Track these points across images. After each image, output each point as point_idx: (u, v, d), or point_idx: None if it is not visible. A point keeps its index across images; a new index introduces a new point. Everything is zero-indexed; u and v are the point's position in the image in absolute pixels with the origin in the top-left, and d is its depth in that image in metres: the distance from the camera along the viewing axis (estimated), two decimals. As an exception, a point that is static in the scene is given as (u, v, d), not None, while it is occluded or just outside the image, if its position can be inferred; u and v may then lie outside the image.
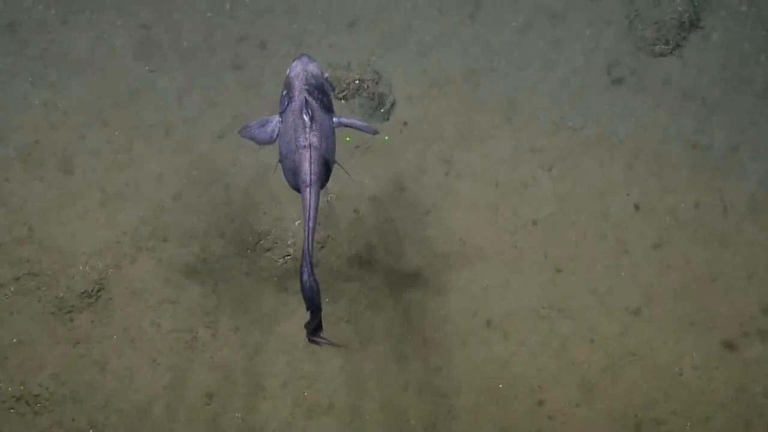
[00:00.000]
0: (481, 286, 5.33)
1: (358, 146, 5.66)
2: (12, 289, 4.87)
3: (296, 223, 5.35)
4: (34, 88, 5.45)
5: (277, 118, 3.97)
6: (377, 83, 5.78)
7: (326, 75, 5.75)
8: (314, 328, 3.74)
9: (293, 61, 4.09)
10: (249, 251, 5.24)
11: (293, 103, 3.88)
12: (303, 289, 3.64)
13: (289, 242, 5.25)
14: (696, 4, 6.09)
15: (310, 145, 3.72)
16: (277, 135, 3.95)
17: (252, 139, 4.01)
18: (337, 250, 5.32)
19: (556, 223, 5.51)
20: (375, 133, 4.15)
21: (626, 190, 5.62)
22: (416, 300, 5.25)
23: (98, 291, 4.93)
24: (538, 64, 6.01)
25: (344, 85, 5.75)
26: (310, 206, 3.66)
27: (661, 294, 5.34)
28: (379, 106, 5.79)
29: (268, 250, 5.21)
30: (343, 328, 5.15)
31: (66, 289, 4.88)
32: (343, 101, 5.78)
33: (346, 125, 4.08)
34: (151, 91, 5.59)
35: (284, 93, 3.98)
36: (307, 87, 3.92)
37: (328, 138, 3.89)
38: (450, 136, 5.73)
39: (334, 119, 4.03)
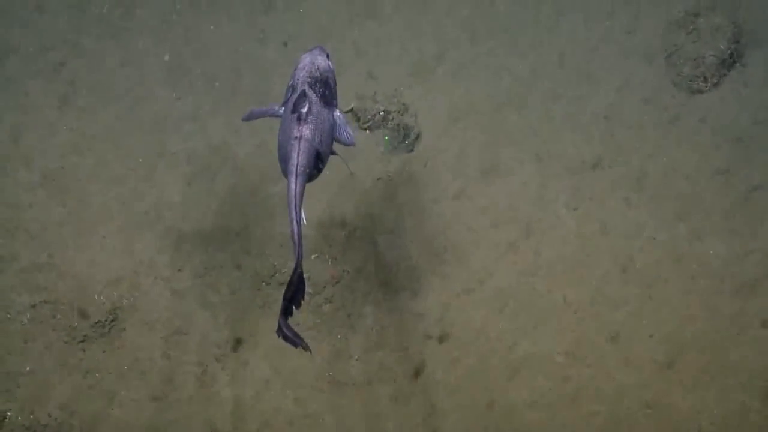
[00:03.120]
0: (497, 328, 5.17)
1: (380, 178, 5.53)
2: (28, 316, 4.89)
3: (312, 257, 5.25)
4: (62, 113, 5.46)
5: (279, 107, 4.10)
6: (403, 114, 5.64)
7: (352, 106, 5.66)
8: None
9: (305, 52, 4.16)
10: (264, 284, 5.17)
11: (294, 94, 3.98)
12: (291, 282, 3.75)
13: (303, 276, 5.14)
14: (739, 40, 5.76)
15: (301, 136, 3.83)
16: (281, 115, 4.11)
17: (256, 116, 4.20)
18: (352, 285, 5.22)
19: (578, 265, 5.30)
20: (353, 145, 4.23)
21: (653, 234, 5.37)
22: (429, 340, 5.11)
23: (112, 321, 4.92)
24: (569, 98, 5.78)
25: (369, 116, 5.62)
26: (294, 195, 3.78)
27: (683, 345, 5.10)
28: (404, 138, 5.64)
29: (282, 284, 5.14)
30: (353, 365, 5.05)
31: (80, 318, 4.88)
32: (367, 132, 5.65)
33: (339, 126, 4.15)
34: (176, 118, 5.55)
35: (290, 84, 4.09)
36: (309, 80, 4.00)
37: (324, 131, 3.96)
38: (474, 170, 5.56)
39: (335, 113, 4.09)
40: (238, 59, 5.79)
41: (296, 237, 3.77)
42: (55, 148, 5.39)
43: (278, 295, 5.15)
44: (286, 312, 3.78)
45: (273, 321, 4.85)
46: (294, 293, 3.80)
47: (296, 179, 3.84)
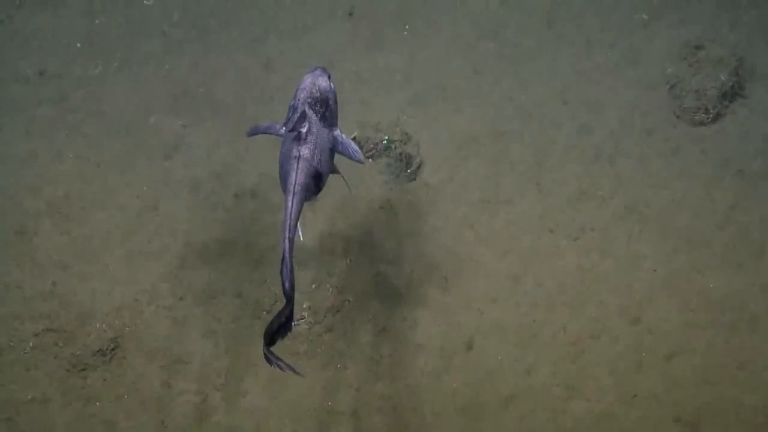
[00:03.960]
0: (496, 359, 5.12)
1: (382, 207, 5.51)
2: (31, 344, 4.90)
3: (313, 286, 5.23)
4: (69, 141, 5.48)
5: (281, 126, 4.14)
6: (405, 144, 5.62)
7: (354, 134, 5.64)
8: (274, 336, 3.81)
9: (308, 72, 4.21)
10: (264, 313, 5.16)
11: (295, 114, 4.04)
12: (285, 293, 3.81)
13: (304, 305, 5.14)
14: (741, 73, 5.71)
15: (300, 156, 3.91)
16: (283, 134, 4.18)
17: (259, 132, 4.26)
18: (353, 315, 5.20)
19: (578, 297, 5.26)
20: (362, 162, 4.33)
21: (653, 266, 5.32)
22: (428, 371, 5.09)
23: (113, 349, 4.91)
24: (571, 128, 5.75)
25: (372, 145, 5.61)
26: (290, 213, 3.84)
27: (682, 379, 5.03)
28: (406, 167, 5.62)
29: (284, 313, 5.10)
30: (352, 395, 5.02)
31: (82, 347, 4.89)
32: (370, 160, 5.63)
33: (342, 143, 4.21)
34: (182, 146, 5.56)
35: (291, 103, 4.14)
36: (310, 100, 4.05)
37: (323, 151, 4.02)
38: (476, 200, 5.53)
39: (335, 132, 4.11)
40: (243, 87, 5.79)
41: (287, 253, 3.80)
42: (62, 176, 5.40)
43: (279, 324, 5.12)
44: (270, 341, 3.77)
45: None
46: (281, 324, 3.80)
47: (293, 198, 3.90)
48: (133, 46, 5.82)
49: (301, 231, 4.02)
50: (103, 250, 5.21)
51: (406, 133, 5.63)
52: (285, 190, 3.97)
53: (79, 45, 5.78)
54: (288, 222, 3.88)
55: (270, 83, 5.79)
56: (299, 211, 3.94)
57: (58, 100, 5.63)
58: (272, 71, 5.88)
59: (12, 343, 4.91)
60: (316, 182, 4.05)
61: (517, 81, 5.88)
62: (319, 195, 4.21)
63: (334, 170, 4.29)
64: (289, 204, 3.91)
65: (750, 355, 5.05)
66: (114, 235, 5.26)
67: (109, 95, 5.69)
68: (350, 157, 4.27)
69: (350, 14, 5.23)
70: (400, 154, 5.64)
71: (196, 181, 5.48)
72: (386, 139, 5.56)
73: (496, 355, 5.12)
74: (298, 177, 3.94)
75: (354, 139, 5.73)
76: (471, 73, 5.92)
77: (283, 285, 3.81)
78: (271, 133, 4.30)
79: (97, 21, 5.84)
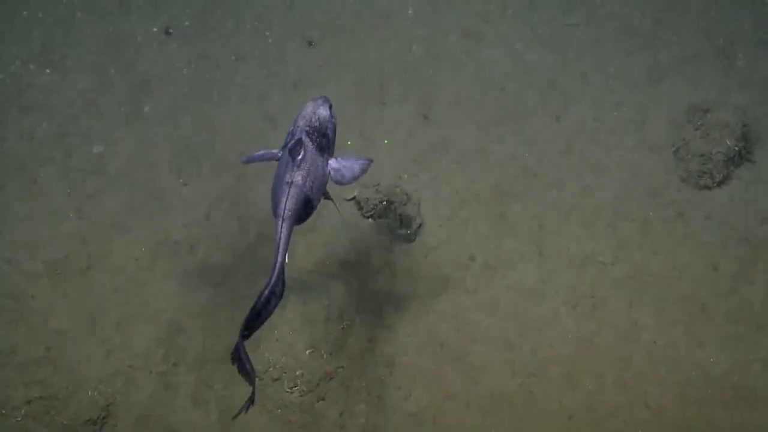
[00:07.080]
0: (490, 432, 4.89)
1: (379, 270, 5.31)
2: (23, 412, 4.76)
3: (307, 353, 5.04)
4: (70, 200, 5.34)
5: (278, 151, 4.16)
6: (405, 204, 5.41)
7: (354, 194, 5.43)
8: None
9: (310, 100, 4.18)
10: (258, 380, 4.95)
11: (292, 140, 4.04)
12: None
13: (297, 372, 4.95)
14: (748, 138, 5.42)
15: (292, 182, 3.94)
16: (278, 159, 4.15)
17: (255, 160, 4.25)
18: (346, 382, 4.99)
19: (575, 368, 5.01)
20: (370, 162, 4.25)
21: (653, 337, 5.05)
22: (420, 442, 4.87)
23: (104, 418, 4.76)
24: (574, 189, 5.50)
25: (372, 206, 5.40)
26: (279, 238, 3.89)
27: (679, 458, 4.76)
28: (406, 228, 5.41)
29: (276, 379, 4.94)
30: (343, 466, 4.82)
31: (73, 416, 4.74)
32: (370, 220, 5.43)
33: (341, 166, 4.17)
34: (181, 205, 5.40)
35: (290, 129, 4.15)
36: (308, 128, 4.07)
37: (316, 178, 4.04)
38: (475, 263, 5.31)
39: (330, 161, 4.12)
40: (245, 143, 5.63)
41: (276, 270, 3.85)
42: (61, 237, 5.27)
43: (271, 391, 4.96)
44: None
45: (265, 418, 4.66)
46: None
47: (283, 222, 3.91)
48: (136, 104, 5.68)
49: (287, 255, 3.98)
50: (99, 314, 5.06)
51: (407, 194, 5.42)
52: (275, 214, 3.97)
53: (82, 103, 5.64)
54: (277, 245, 3.89)
55: (273, 139, 5.61)
56: (289, 236, 3.94)
57: (61, 158, 5.50)
58: (275, 126, 5.71)
59: (4, 411, 4.78)
60: (306, 208, 4.05)
61: (521, 139, 5.66)
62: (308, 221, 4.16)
63: (326, 196, 4.26)
64: (279, 229, 3.92)
65: (750, 436, 4.76)
66: (111, 298, 5.11)
67: (111, 153, 5.54)
68: (359, 170, 4.19)
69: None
70: (400, 215, 5.43)
71: (193, 241, 5.32)
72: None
73: (490, 428, 4.89)
74: (288, 202, 3.93)
75: (354, 199, 5.54)
76: (475, 129, 5.70)
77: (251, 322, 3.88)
78: (267, 160, 4.24)
79: (100, 79, 5.70)
